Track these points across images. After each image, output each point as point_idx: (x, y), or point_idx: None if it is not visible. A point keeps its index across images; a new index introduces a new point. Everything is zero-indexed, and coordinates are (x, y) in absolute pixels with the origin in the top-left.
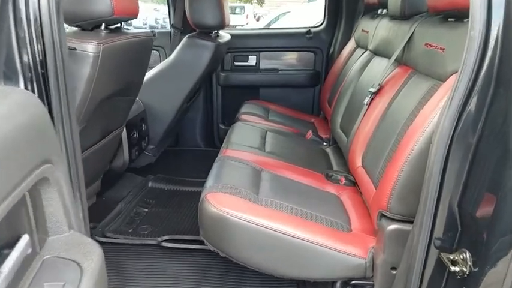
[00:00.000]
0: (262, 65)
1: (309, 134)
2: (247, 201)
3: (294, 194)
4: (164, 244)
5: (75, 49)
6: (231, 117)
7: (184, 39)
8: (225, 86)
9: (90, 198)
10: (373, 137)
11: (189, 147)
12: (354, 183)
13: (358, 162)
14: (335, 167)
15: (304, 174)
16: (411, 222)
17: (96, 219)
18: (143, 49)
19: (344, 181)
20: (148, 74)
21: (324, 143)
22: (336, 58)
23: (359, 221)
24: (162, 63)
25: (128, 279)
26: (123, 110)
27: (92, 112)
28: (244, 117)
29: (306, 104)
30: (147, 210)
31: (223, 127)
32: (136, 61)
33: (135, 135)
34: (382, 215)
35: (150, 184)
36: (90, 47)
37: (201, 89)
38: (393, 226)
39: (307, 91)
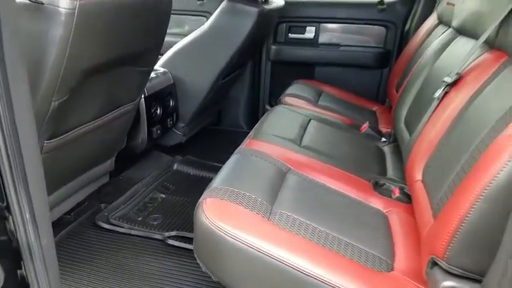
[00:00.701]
0: (321, 39)
1: (365, 126)
2: (254, 214)
3: (322, 209)
4: (170, 242)
5: (43, 3)
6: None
7: (224, 2)
8: (276, 62)
9: (101, 178)
10: (441, 145)
11: (230, 127)
12: (410, 199)
13: (418, 173)
14: (390, 173)
15: (345, 180)
16: (477, 281)
17: (108, 200)
18: (154, 11)
19: (398, 194)
20: (180, 44)
21: (383, 139)
22: (412, 36)
23: (407, 256)
24: (196, 31)
25: (121, 277)
26: (134, 83)
27: (78, 83)
28: (288, 99)
29: (370, 88)
30: (164, 196)
31: (269, 108)
32: (143, 25)
33: (157, 111)
34: (435, 263)
35: (175, 166)
36: (62, 2)
37: (248, 63)
38: (449, 283)
39: (373, 73)
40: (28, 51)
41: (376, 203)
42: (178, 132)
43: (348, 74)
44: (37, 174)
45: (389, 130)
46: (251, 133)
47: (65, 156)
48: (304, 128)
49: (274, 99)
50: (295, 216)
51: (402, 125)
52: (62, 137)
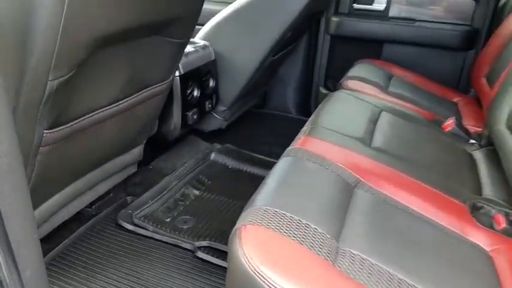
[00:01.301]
0: (392, 12)
1: (450, 123)
2: (314, 255)
3: (408, 247)
4: (200, 255)
5: None
6: (337, 80)
7: None
8: (337, 37)
9: (127, 168)
10: None
11: (276, 111)
12: None
13: None
14: (487, 190)
15: (434, 200)
16: None
17: (135, 192)
18: None
19: (504, 224)
20: (223, 13)
21: (471, 141)
22: (509, 14)
23: None
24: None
25: None
26: (165, 58)
27: (84, 58)
28: (351, 83)
29: (450, 74)
30: (197, 193)
31: (324, 92)
32: None
33: (194, 93)
34: None
35: (212, 156)
36: None
37: (303, 37)
38: None
39: (455, 56)
40: (10, 13)
41: (477, 236)
42: (218, 117)
43: (424, 56)
44: (14, 184)
45: (479, 130)
46: (306, 126)
47: (76, 147)
48: (374, 123)
49: (331, 82)
50: (372, 261)
51: (504, 128)
52: (68, 125)
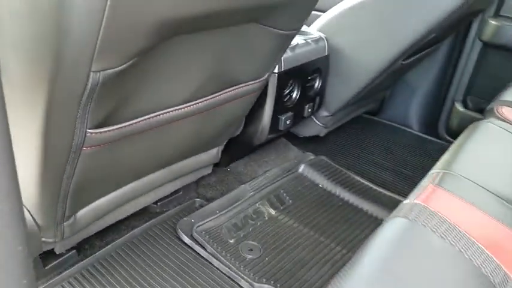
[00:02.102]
0: None
1: None
2: None
3: None
4: None
5: None
6: (481, 101)
7: None
8: (491, 45)
9: (201, 169)
10: None
11: (394, 122)
12: None
13: None
14: None
15: None
16: None
17: (206, 194)
18: None
19: None
20: (348, 2)
21: None
22: None
23: None
24: None
25: None
26: (262, 51)
27: (144, 46)
28: (507, 111)
29: None
30: (272, 213)
31: (461, 109)
32: None
33: (293, 94)
34: None
35: (301, 168)
36: None
37: (444, 40)
38: None
39: None
40: None
41: None
42: (318, 123)
43: None
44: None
45: None
46: (436, 170)
47: (134, 149)
48: None
49: (473, 100)
50: None
51: None
52: (120, 125)
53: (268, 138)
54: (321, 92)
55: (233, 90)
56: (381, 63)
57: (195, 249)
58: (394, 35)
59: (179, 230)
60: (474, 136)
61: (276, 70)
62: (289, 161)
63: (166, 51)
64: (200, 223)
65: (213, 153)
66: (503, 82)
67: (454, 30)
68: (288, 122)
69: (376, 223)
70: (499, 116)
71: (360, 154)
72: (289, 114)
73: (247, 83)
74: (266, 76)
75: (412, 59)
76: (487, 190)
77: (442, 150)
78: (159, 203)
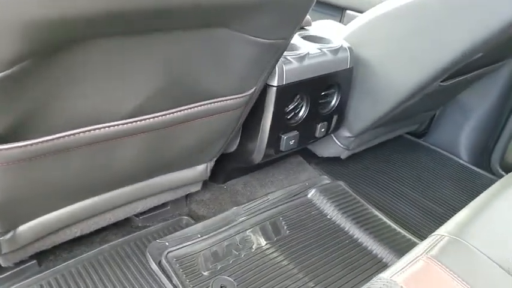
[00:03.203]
0: None
1: None
2: None
3: None
4: None
5: None
6: None
7: None
8: None
9: (187, 186)
10: None
11: (441, 148)
12: None
13: None
14: None
15: None
16: None
17: (197, 210)
18: None
19: None
20: (381, 9)
21: None
22: None
23: None
24: None
25: None
26: (237, 62)
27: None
28: None
29: None
30: (262, 244)
31: None
32: None
33: (300, 111)
34: None
35: (311, 193)
36: None
37: (506, 59)
38: None
39: None
40: None
41: None
42: (339, 144)
43: None
44: None
45: None
46: (440, 232)
47: (73, 167)
48: None
49: None
50: None
51: None
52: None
53: (270, 159)
54: (340, 109)
55: (204, 105)
56: (413, 84)
57: (161, 278)
58: (431, 51)
59: (148, 254)
60: (510, 189)
61: (274, 83)
62: (299, 183)
63: (83, 57)
64: (174, 247)
65: (200, 170)
66: None
67: None
68: (291, 143)
69: (382, 270)
70: None
71: (388, 182)
72: (294, 133)
73: (225, 98)
74: (253, 90)
75: (453, 80)
76: (504, 270)
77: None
78: (141, 217)
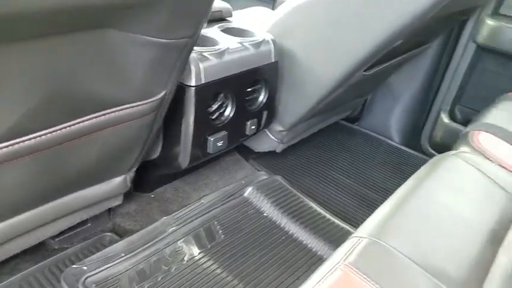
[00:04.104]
0: None
1: None
2: None
3: None
4: None
5: None
6: (470, 112)
7: None
8: (487, 49)
9: (106, 201)
10: None
11: (373, 132)
12: None
13: None
14: None
15: None
16: None
17: (120, 227)
18: None
19: None
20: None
21: None
22: None
23: None
24: None
25: None
26: (130, 65)
27: None
28: (481, 138)
29: None
30: (195, 253)
31: (446, 121)
32: None
33: (225, 111)
34: None
35: (247, 192)
36: None
37: (430, 42)
38: None
39: None
40: None
41: None
42: (273, 138)
43: None
44: None
45: None
46: (358, 235)
47: None
48: (499, 239)
49: (462, 110)
50: None
51: None
52: None
53: (197, 162)
54: (270, 104)
55: (105, 115)
56: (337, 74)
57: None
58: (352, 41)
59: (63, 283)
60: (430, 181)
61: (192, 83)
62: (235, 182)
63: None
64: (94, 271)
65: (118, 182)
66: (497, 92)
67: (442, 31)
68: (219, 144)
69: (317, 264)
70: (473, 145)
71: (325, 171)
72: (222, 134)
73: (130, 105)
74: (164, 94)
75: (377, 69)
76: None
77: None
78: (57, 239)
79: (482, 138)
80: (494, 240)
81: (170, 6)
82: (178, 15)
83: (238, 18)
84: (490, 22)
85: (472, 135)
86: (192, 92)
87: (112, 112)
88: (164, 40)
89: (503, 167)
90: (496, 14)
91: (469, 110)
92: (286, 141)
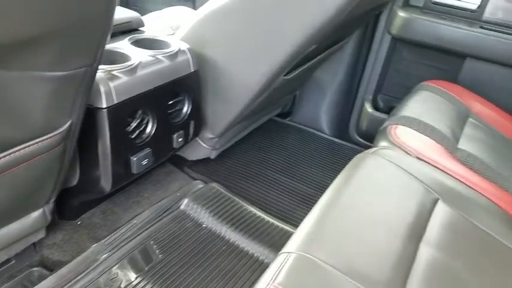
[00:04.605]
0: (490, 11)
1: None
2: None
3: None
4: None
5: None
6: (392, 100)
7: None
8: (401, 39)
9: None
10: None
11: (305, 126)
12: None
13: None
14: None
15: None
16: None
17: (48, 260)
18: None
19: None
20: (214, 4)
21: None
22: None
23: None
24: None
25: None
26: (22, 101)
27: None
28: (400, 131)
29: None
30: (132, 279)
31: (369, 110)
32: None
33: (147, 128)
34: None
35: (183, 204)
36: None
37: (348, 37)
38: None
39: None
40: None
41: None
42: (205, 146)
43: None
44: None
45: None
46: (287, 250)
47: None
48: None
49: (385, 100)
50: None
51: None
52: None
53: (122, 184)
54: (196, 114)
55: (5, 157)
56: (258, 81)
57: None
58: (269, 47)
59: None
60: (351, 183)
61: (102, 105)
62: (170, 195)
63: None
64: None
65: (36, 217)
66: (414, 80)
67: (357, 27)
68: (144, 162)
69: (260, 270)
70: (392, 140)
71: (262, 171)
72: (147, 151)
73: (32, 142)
74: (69, 124)
75: (297, 71)
76: (349, 278)
77: (354, 155)
78: None
79: (400, 132)
80: (415, 235)
81: (59, 41)
82: (71, 46)
83: (155, 22)
84: (401, 14)
85: (390, 129)
86: (104, 114)
87: (16, 151)
88: (59, 73)
89: (420, 159)
90: (407, 5)
91: (391, 98)
92: (219, 147)
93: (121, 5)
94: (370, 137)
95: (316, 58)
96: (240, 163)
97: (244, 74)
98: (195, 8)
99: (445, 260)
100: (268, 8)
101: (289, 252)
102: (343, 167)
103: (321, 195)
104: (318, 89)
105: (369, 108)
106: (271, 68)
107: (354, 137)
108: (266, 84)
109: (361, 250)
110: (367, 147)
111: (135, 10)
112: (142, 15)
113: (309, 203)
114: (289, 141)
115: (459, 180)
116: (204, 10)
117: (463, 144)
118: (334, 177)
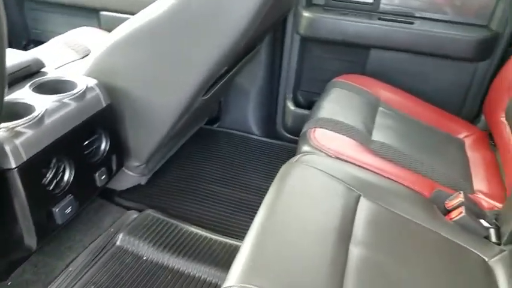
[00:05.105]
0: (385, 5)
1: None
2: None
3: None
4: None
5: None
6: (310, 95)
7: None
8: (309, 39)
9: None
10: None
11: (235, 130)
12: None
13: None
14: None
15: None
16: None
17: None
18: None
19: None
20: (122, 31)
21: (486, 225)
22: None
23: None
24: (155, 5)
25: None
26: None
27: None
28: (317, 135)
29: (455, 93)
30: None
31: (292, 108)
32: None
33: (65, 176)
34: None
35: (119, 239)
36: None
37: (262, 42)
38: None
39: (462, 68)
40: None
41: None
42: (133, 174)
43: (422, 67)
44: None
45: (497, 206)
46: (229, 284)
47: None
48: (348, 232)
49: (303, 95)
50: None
51: None
52: None
53: (49, 236)
54: (117, 148)
55: None
56: (175, 107)
57: None
58: (177, 74)
59: None
60: (281, 198)
61: (11, 165)
62: (103, 231)
63: None
64: None
65: None
66: (329, 74)
67: (267, 34)
68: (68, 210)
69: None
70: (312, 143)
71: (199, 186)
72: (68, 199)
73: None
74: None
75: (214, 90)
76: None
77: (285, 152)
78: None
79: (318, 134)
80: (344, 237)
81: None
82: None
83: (62, 49)
84: (306, 14)
85: (309, 133)
86: (15, 174)
87: None
88: None
89: (340, 158)
90: (310, 5)
91: (310, 93)
92: (148, 172)
93: (19, 29)
94: (297, 132)
95: (232, 71)
96: (173, 181)
97: (160, 101)
98: (100, 25)
99: (373, 256)
100: (174, 36)
101: (231, 286)
102: (276, 167)
103: (259, 200)
104: (241, 93)
105: (290, 105)
106: (185, 94)
107: (282, 134)
108: (184, 108)
109: (299, 266)
110: (295, 142)
111: (36, 34)
112: (44, 40)
113: (248, 209)
114: (220, 147)
115: (376, 172)
116: (110, 39)
117: (376, 135)
118: (269, 179)
